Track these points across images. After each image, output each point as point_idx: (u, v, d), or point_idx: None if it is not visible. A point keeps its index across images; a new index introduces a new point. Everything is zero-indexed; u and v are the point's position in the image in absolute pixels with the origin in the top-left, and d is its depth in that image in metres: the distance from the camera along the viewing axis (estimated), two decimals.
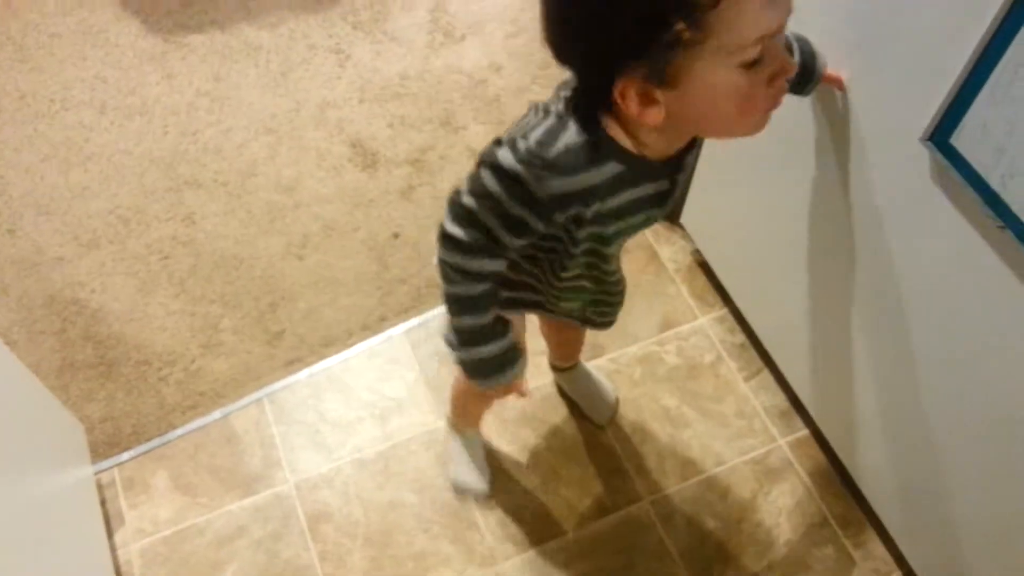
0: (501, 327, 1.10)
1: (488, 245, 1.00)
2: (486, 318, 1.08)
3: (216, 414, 1.78)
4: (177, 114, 2.22)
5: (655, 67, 0.84)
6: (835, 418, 1.67)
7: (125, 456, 1.73)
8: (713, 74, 0.84)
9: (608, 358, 1.87)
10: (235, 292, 1.95)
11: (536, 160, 0.92)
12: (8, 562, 1.26)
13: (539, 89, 2.30)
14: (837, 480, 1.72)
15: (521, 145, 0.93)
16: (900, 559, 1.62)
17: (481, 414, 1.71)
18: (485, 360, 1.11)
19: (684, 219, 1.93)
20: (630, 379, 1.85)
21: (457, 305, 1.07)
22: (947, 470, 1.40)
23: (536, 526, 1.68)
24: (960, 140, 1.11)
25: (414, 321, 1.92)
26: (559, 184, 0.93)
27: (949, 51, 1.07)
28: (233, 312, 1.92)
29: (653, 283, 1.98)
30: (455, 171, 2.14)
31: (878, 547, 1.66)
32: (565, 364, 1.78)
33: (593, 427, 1.78)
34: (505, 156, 0.93)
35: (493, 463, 1.73)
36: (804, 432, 1.78)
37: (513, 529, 1.67)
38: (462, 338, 1.10)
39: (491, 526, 1.67)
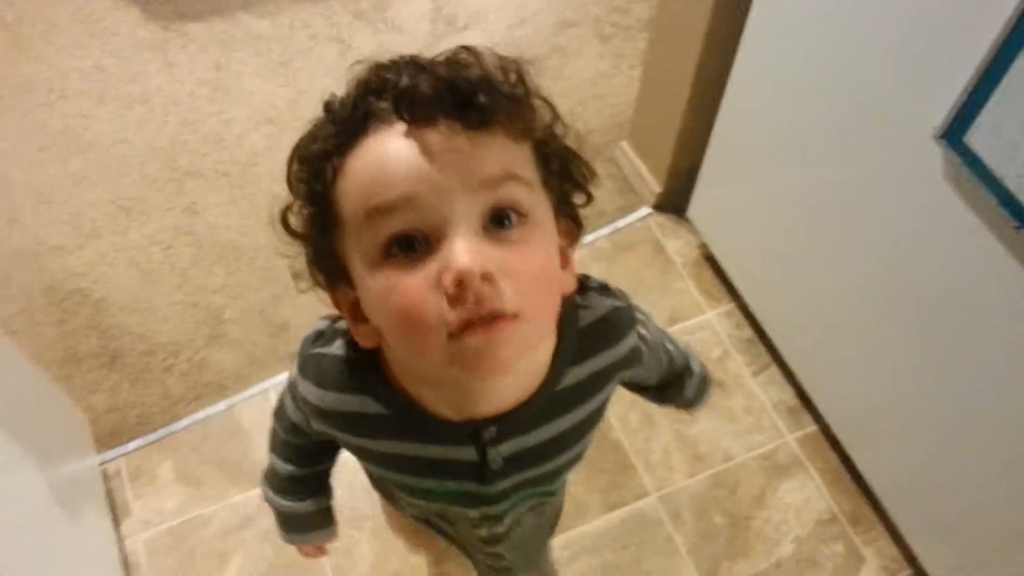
0: (310, 490, 1.01)
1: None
2: (297, 470, 0.97)
3: (221, 405, 1.77)
4: (177, 103, 2.19)
5: (323, 255, 0.67)
6: (845, 414, 1.66)
7: (131, 446, 1.72)
8: (358, 263, 0.64)
9: None
10: (237, 283, 1.93)
11: (302, 349, 0.79)
12: (15, 552, 1.24)
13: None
14: (847, 476, 1.72)
15: (321, 326, 0.80)
16: (910, 557, 1.61)
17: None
18: (285, 513, 1.01)
19: (691, 212, 1.92)
20: None
21: (277, 446, 0.97)
22: (960, 468, 1.39)
23: None
24: (974, 139, 1.10)
25: None
26: (308, 389, 0.78)
27: (963, 49, 1.06)
28: (236, 303, 1.90)
29: (659, 277, 1.97)
30: None
31: (888, 545, 1.65)
32: None
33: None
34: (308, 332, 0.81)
35: None
36: (813, 428, 1.77)
37: None
38: (270, 478, 1.00)
39: None
